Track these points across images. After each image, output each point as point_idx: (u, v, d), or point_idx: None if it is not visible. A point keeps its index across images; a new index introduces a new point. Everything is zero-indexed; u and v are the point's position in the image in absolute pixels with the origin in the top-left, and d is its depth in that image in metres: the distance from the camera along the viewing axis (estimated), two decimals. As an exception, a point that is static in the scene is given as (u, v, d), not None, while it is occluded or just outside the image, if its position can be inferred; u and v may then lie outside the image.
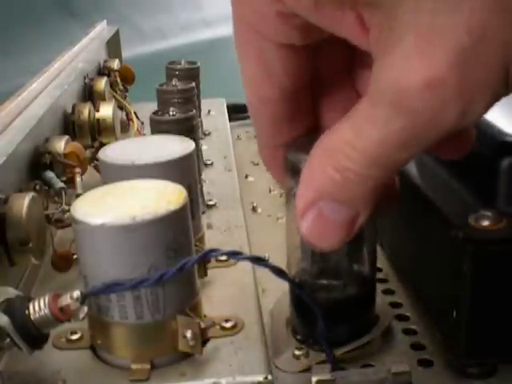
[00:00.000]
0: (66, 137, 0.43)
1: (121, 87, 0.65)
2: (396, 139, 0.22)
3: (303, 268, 0.31)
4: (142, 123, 0.59)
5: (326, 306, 0.29)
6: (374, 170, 0.23)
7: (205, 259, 0.33)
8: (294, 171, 0.29)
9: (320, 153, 0.24)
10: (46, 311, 0.26)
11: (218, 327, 0.30)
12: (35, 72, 0.53)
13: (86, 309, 0.27)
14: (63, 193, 0.39)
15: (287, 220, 0.32)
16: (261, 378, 0.27)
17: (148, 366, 0.28)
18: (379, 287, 0.36)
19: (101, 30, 0.76)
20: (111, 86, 0.63)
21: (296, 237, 0.31)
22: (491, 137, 0.31)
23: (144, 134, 0.57)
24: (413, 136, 0.22)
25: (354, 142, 0.23)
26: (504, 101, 0.38)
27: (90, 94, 0.59)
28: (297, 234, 0.30)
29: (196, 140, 0.39)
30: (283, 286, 0.32)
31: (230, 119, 0.68)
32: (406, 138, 0.22)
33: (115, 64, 0.67)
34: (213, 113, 0.69)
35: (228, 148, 0.58)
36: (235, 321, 0.31)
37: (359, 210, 0.24)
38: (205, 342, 0.29)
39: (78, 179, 0.41)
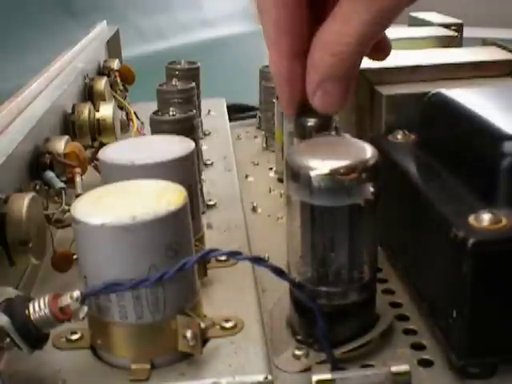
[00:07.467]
0: (66, 137, 0.43)
1: (121, 87, 0.65)
2: (378, 18, 0.29)
3: (304, 275, 0.31)
4: (142, 123, 0.59)
5: (327, 312, 0.29)
6: (361, 47, 0.29)
7: (205, 259, 0.33)
8: (295, 176, 0.29)
9: (318, 46, 0.30)
10: (46, 311, 0.26)
11: (218, 327, 0.30)
12: (35, 72, 0.53)
13: (86, 309, 0.27)
14: (63, 193, 0.39)
15: (288, 227, 0.31)
16: (261, 378, 0.27)
17: (148, 366, 0.28)
18: (379, 287, 0.36)
19: (101, 30, 0.76)
20: (111, 86, 0.63)
21: (297, 244, 0.31)
22: (491, 137, 0.31)
23: (144, 134, 0.57)
24: (388, 11, 0.28)
25: (343, 31, 0.29)
26: (503, 101, 0.38)
27: (89, 94, 0.59)
28: (298, 241, 0.30)
29: (196, 140, 0.39)
30: (283, 286, 0.32)
31: (230, 119, 0.68)
32: (383, 15, 0.29)
33: (115, 64, 0.67)
34: (213, 113, 0.69)
35: (228, 148, 0.58)
36: (235, 321, 0.31)
37: (351, 77, 0.31)
38: (205, 341, 0.29)
39: (77, 179, 0.41)
